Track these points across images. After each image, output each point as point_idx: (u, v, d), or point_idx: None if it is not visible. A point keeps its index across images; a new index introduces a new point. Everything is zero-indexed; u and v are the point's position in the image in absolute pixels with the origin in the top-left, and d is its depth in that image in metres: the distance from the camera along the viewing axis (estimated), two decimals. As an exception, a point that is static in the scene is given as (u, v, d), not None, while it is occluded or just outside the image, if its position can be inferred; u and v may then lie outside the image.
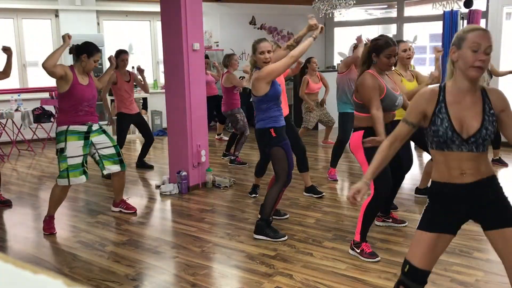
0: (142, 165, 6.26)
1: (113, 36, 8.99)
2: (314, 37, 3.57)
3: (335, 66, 10.03)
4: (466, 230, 3.72)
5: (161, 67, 7.17)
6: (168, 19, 5.01)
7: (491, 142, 3.12)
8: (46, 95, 8.20)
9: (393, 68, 3.81)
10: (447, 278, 2.98)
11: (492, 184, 2.03)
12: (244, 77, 6.79)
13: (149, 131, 6.10)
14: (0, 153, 7.13)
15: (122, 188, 4.46)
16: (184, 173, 5.04)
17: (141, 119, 6.07)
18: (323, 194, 4.80)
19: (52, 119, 7.80)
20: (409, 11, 9.54)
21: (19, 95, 7.62)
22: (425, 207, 2.12)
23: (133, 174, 5.98)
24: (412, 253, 2.07)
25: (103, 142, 4.10)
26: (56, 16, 8.51)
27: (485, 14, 7.38)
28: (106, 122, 5.89)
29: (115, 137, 4.76)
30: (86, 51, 3.91)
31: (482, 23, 7.27)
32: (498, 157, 5.98)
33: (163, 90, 5.96)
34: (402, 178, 3.78)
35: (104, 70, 8.16)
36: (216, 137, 8.33)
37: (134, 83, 5.87)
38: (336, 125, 5.98)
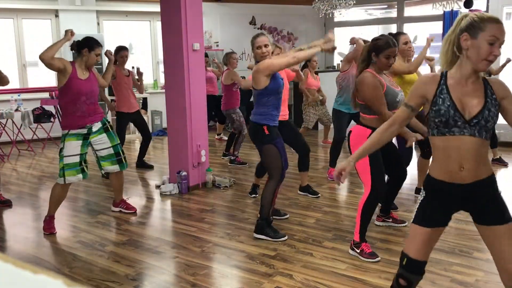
0: (142, 165, 6.26)
1: (113, 36, 8.99)
2: (322, 48, 3.55)
3: (335, 66, 10.02)
4: (466, 230, 3.72)
5: (161, 67, 7.17)
6: (168, 19, 5.01)
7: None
8: (46, 95, 8.21)
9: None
10: (447, 278, 2.98)
11: (490, 184, 2.03)
12: (245, 77, 6.78)
13: (147, 130, 6.11)
14: (0, 153, 7.13)
15: (121, 187, 4.46)
16: (184, 173, 5.04)
17: (139, 117, 6.07)
18: (319, 195, 4.79)
19: (52, 119, 7.80)
20: (409, 11, 9.54)
21: (19, 95, 7.62)
22: (420, 200, 2.12)
23: (133, 174, 5.98)
24: (408, 247, 2.11)
25: (101, 143, 4.09)
26: (56, 16, 8.52)
27: (485, 14, 7.37)
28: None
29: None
30: (87, 45, 3.92)
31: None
32: (498, 157, 5.98)
33: (163, 90, 5.96)
34: (403, 177, 3.78)
35: (104, 66, 8.26)
36: (216, 137, 8.33)
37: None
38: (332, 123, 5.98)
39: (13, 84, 8.28)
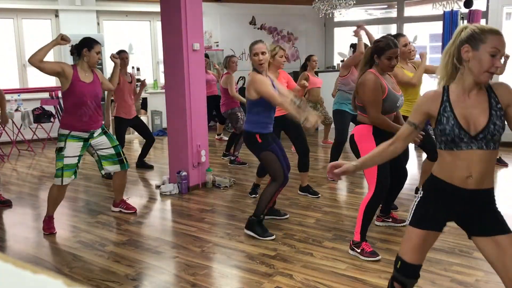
0: (142, 165, 6.26)
1: (113, 36, 8.99)
2: (298, 106, 3.55)
3: (335, 66, 10.03)
4: (466, 230, 3.72)
5: (161, 67, 7.17)
6: (168, 19, 5.01)
7: None
8: (46, 95, 8.21)
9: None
10: (447, 278, 2.98)
11: (489, 197, 2.02)
12: (245, 77, 6.79)
13: (148, 132, 6.12)
14: (0, 153, 7.13)
15: (123, 188, 4.45)
16: (184, 173, 5.04)
17: (139, 122, 6.07)
18: (319, 195, 4.79)
19: (52, 119, 7.80)
20: (409, 11, 9.54)
21: (19, 95, 7.62)
22: (417, 201, 2.10)
23: (133, 174, 5.98)
24: (403, 249, 2.10)
25: (102, 143, 4.09)
26: (56, 16, 8.51)
27: (485, 14, 7.38)
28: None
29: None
30: (85, 45, 3.91)
31: (482, 23, 7.27)
32: (498, 157, 5.99)
33: (163, 90, 5.96)
34: (404, 177, 3.78)
35: (104, 65, 8.27)
36: (216, 137, 8.33)
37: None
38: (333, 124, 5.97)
39: (13, 84, 8.31)
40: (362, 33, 4.90)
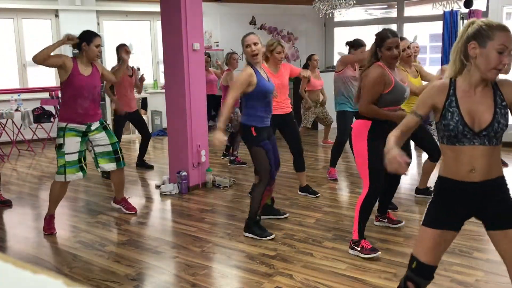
0: (142, 164, 6.26)
1: (113, 36, 8.98)
2: (230, 121, 3.59)
3: (335, 66, 10.02)
4: (466, 230, 3.72)
5: (161, 67, 7.16)
6: (168, 19, 5.01)
7: None
8: (46, 95, 8.21)
9: (398, 63, 3.86)
10: (447, 278, 2.98)
11: (500, 185, 2.00)
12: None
13: (146, 128, 6.13)
14: (0, 153, 7.13)
15: (122, 185, 4.43)
16: (184, 173, 5.04)
17: (138, 117, 6.09)
18: (319, 194, 4.78)
19: (52, 119, 7.80)
20: (409, 11, 9.54)
21: (19, 95, 7.62)
22: (429, 202, 2.10)
23: (133, 174, 5.98)
24: (418, 249, 2.07)
25: (100, 139, 4.07)
26: (56, 16, 8.51)
27: (485, 14, 7.38)
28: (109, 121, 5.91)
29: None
30: (84, 39, 3.90)
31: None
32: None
33: (163, 90, 5.96)
34: (398, 177, 3.78)
35: (104, 58, 8.28)
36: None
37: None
38: (334, 124, 5.97)
39: (13, 84, 8.31)
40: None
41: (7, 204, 4.73)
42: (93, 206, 4.74)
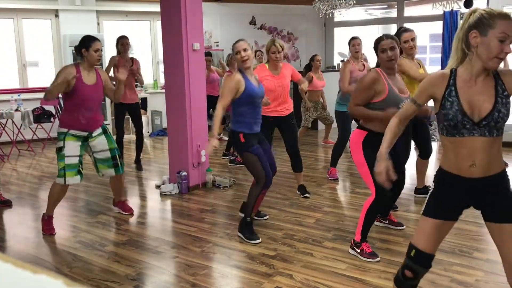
0: (138, 165, 6.27)
1: (113, 36, 8.96)
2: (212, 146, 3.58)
3: (335, 66, 10.03)
4: (466, 230, 3.72)
5: (161, 67, 7.17)
6: (168, 19, 5.01)
7: None
8: (46, 95, 8.20)
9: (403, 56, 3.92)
10: (447, 278, 2.98)
11: (501, 181, 2.01)
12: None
13: (140, 123, 6.14)
14: (0, 153, 7.13)
15: (119, 190, 4.42)
16: (184, 173, 5.04)
17: (136, 110, 6.12)
18: (309, 196, 4.77)
19: (52, 119, 7.80)
20: (409, 11, 9.54)
21: (19, 95, 7.62)
22: (430, 193, 2.12)
23: (133, 174, 5.98)
24: (417, 238, 2.10)
25: (100, 145, 4.06)
26: (56, 16, 8.51)
27: (485, 14, 7.37)
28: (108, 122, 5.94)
29: (114, 137, 4.76)
30: (83, 45, 3.88)
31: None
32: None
33: (163, 90, 5.96)
34: (403, 177, 3.77)
35: (104, 58, 8.27)
36: (216, 137, 8.31)
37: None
38: (335, 124, 5.97)
39: (13, 84, 8.31)
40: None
41: (7, 204, 4.73)
42: (93, 206, 4.74)
